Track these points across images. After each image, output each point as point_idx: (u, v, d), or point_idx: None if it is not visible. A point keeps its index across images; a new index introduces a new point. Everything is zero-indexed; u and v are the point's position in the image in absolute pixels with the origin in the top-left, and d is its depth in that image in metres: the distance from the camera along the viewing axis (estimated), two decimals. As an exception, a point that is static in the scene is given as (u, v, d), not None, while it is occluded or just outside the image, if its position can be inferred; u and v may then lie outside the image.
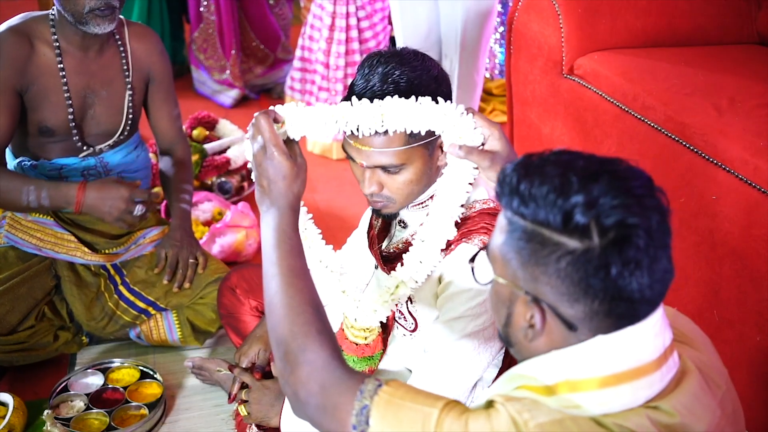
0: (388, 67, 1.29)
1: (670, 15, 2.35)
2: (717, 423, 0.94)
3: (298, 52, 3.55)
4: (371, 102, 1.24)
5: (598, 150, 2.16)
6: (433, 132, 1.29)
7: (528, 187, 0.88)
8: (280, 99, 3.86)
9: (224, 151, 3.04)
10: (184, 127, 2.22)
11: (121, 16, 2.02)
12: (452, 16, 2.82)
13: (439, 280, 1.41)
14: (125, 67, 2.01)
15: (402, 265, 1.39)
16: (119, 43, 2.00)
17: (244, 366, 1.73)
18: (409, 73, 1.28)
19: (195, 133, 3.05)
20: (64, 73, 1.91)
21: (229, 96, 3.88)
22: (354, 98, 1.27)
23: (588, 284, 0.86)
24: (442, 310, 1.40)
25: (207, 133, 3.09)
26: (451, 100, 1.31)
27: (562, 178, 0.87)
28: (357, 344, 1.48)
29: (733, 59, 2.24)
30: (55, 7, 1.88)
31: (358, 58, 3.39)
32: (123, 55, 2.00)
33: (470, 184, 1.32)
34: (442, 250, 1.36)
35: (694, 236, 1.86)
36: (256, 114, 1.15)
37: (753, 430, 1.81)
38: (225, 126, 3.17)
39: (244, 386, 1.69)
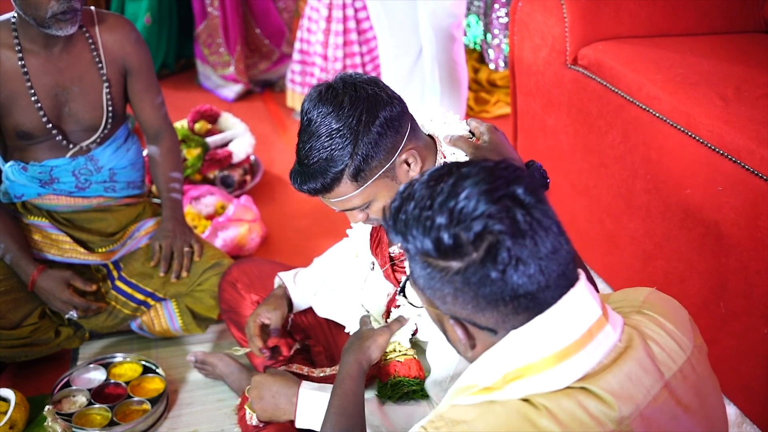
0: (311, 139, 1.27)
1: (675, 4, 2.33)
2: (654, 398, 0.95)
3: (297, 45, 3.53)
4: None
5: (602, 141, 2.14)
6: (385, 163, 1.28)
7: (403, 223, 0.92)
8: (282, 92, 3.84)
9: (226, 144, 3.02)
10: (169, 115, 2.19)
11: (92, 8, 2.00)
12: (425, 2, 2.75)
13: None
14: (97, 60, 1.97)
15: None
16: (87, 35, 1.96)
17: (256, 326, 1.67)
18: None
19: (197, 126, 3.03)
20: (28, 75, 1.89)
21: (233, 90, 3.86)
22: None
23: (484, 294, 0.89)
24: None
25: (209, 126, 3.07)
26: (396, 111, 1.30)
27: (427, 204, 0.90)
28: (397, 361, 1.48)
29: (738, 48, 2.22)
30: (16, 11, 1.85)
31: (356, 48, 3.36)
32: (93, 48, 1.96)
33: None
34: None
35: (700, 228, 1.84)
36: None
37: (759, 422, 1.80)
38: (227, 119, 3.15)
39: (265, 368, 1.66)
